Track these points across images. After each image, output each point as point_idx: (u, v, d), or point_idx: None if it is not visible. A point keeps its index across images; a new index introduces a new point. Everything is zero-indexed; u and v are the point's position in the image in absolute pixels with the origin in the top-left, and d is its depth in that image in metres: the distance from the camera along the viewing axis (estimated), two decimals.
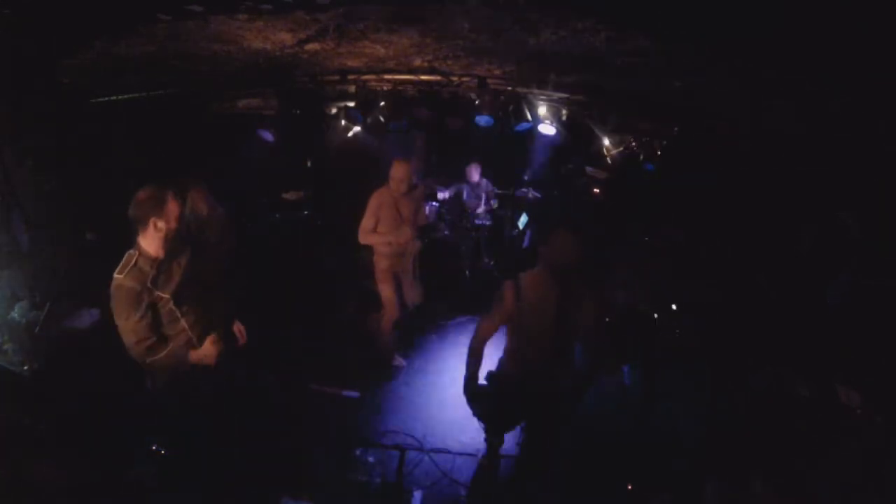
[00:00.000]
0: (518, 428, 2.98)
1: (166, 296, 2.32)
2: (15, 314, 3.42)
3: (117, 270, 2.24)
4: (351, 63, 3.84)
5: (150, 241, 2.30)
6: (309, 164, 6.73)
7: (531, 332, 2.44)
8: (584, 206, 6.54)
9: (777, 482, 2.74)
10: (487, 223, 6.63)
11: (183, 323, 2.41)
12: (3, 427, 2.88)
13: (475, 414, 2.70)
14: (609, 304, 3.34)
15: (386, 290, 4.30)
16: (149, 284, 2.25)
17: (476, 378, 2.58)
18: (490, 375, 2.64)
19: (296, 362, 4.60)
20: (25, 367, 3.01)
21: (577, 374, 2.58)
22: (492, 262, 6.67)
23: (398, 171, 3.96)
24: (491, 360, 2.72)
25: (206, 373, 2.69)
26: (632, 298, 3.31)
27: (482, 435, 3.28)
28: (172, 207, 2.30)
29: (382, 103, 4.63)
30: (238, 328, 2.87)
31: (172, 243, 2.40)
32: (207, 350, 2.46)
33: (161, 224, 2.27)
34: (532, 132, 4.71)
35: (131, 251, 2.29)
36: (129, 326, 2.22)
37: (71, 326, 3.50)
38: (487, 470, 3.17)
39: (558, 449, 2.82)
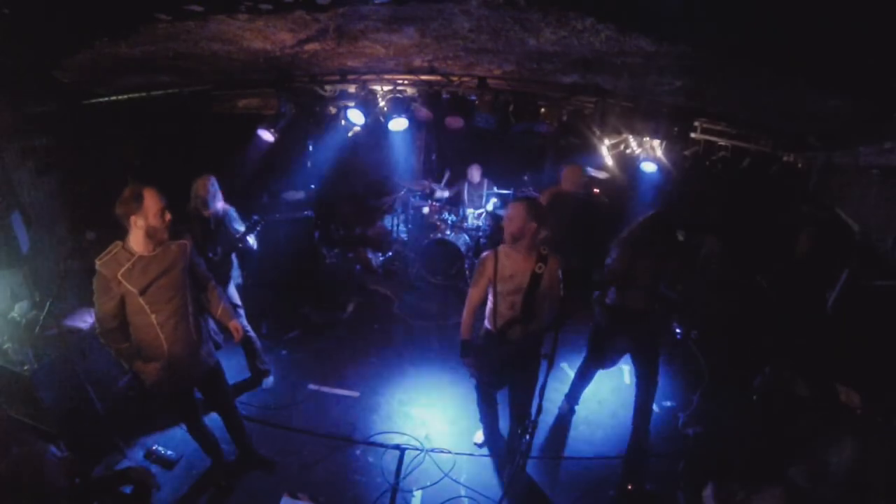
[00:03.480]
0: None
1: (134, 290, 2.40)
2: (15, 314, 3.42)
3: (99, 256, 2.39)
4: (351, 63, 3.84)
5: (135, 238, 2.41)
6: (309, 164, 6.73)
7: (505, 290, 2.86)
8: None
9: (776, 482, 2.74)
10: (488, 223, 6.64)
11: (151, 318, 2.49)
12: (4, 426, 2.88)
13: (468, 368, 3.10)
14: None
15: None
16: (119, 276, 2.36)
17: (469, 340, 3.02)
18: (477, 336, 3.10)
19: (296, 362, 4.61)
20: (25, 367, 3.00)
21: (544, 324, 2.99)
22: None
23: (575, 175, 4.07)
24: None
25: (193, 377, 2.75)
26: (632, 296, 3.31)
27: (480, 430, 3.42)
28: (149, 205, 2.36)
29: (382, 103, 4.63)
30: (234, 326, 2.91)
31: (160, 242, 2.46)
32: (149, 371, 2.53)
33: (140, 221, 2.36)
34: (532, 132, 4.71)
35: (118, 242, 2.42)
36: (97, 306, 2.42)
37: (71, 326, 3.50)
38: (484, 403, 3.48)
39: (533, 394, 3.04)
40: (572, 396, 3.93)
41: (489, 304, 2.98)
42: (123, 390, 3.65)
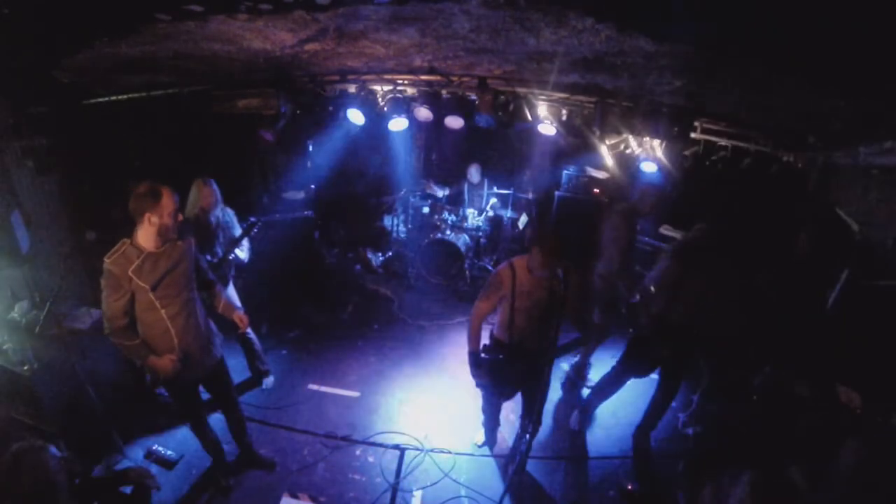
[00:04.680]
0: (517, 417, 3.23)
1: (145, 286, 2.42)
2: (15, 314, 3.42)
3: (107, 255, 2.40)
4: (351, 63, 3.84)
5: (145, 234, 2.43)
6: (309, 164, 6.73)
7: (523, 307, 2.85)
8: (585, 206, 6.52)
9: (775, 482, 2.73)
10: (488, 223, 6.64)
11: (162, 313, 2.51)
12: (4, 425, 2.88)
13: (478, 384, 3.07)
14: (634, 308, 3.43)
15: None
16: (130, 272, 2.38)
17: (478, 352, 2.98)
18: (486, 347, 3.01)
19: (296, 362, 4.61)
20: (25, 367, 3.00)
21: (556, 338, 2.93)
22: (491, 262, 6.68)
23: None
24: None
25: (196, 373, 2.76)
26: (677, 309, 3.25)
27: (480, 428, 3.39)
28: (166, 204, 2.40)
29: (382, 103, 4.63)
30: (239, 316, 2.93)
31: (168, 239, 2.50)
32: (164, 364, 2.54)
33: (154, 219, 2.39)
34: (532, 132, 4.71)
35: (125, 240, 2.43)
36: (106, 305, 2.43)
37: (71, 326, 3.50)
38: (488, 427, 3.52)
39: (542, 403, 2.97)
40: (592, 402, 3.84)
41: (502, 316, 2.95)
42: (126, 389, 3.65)
